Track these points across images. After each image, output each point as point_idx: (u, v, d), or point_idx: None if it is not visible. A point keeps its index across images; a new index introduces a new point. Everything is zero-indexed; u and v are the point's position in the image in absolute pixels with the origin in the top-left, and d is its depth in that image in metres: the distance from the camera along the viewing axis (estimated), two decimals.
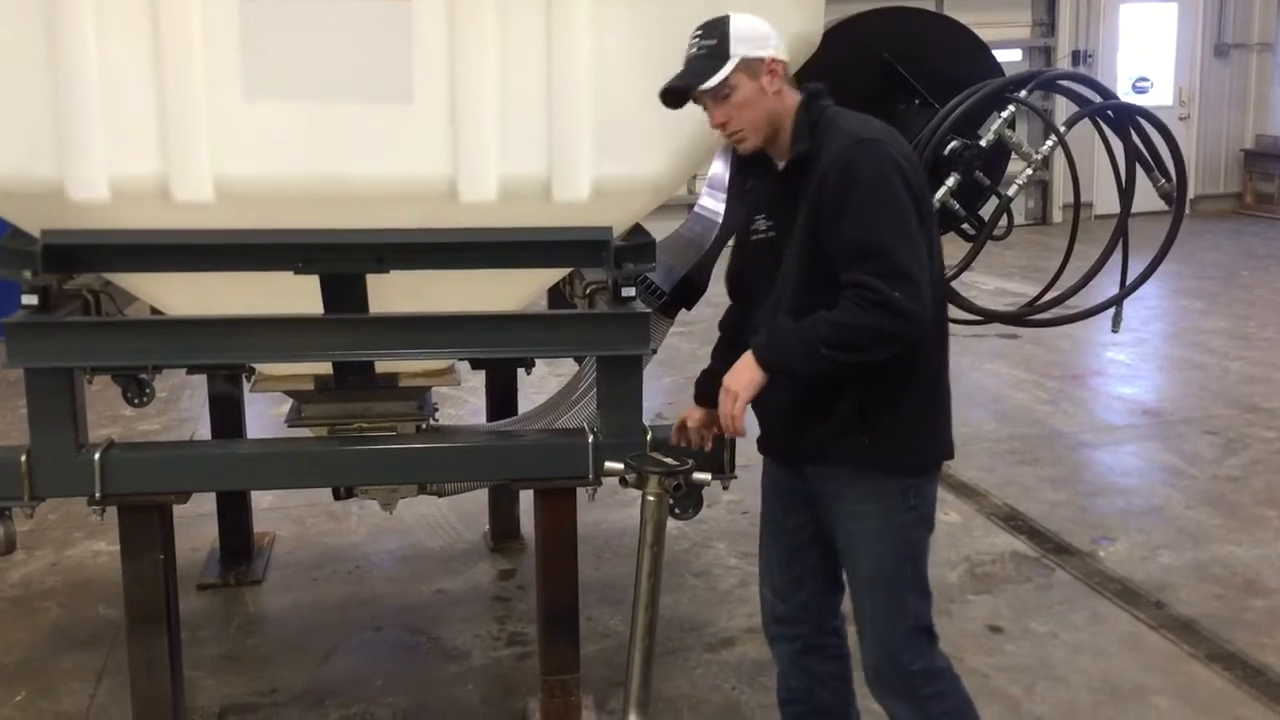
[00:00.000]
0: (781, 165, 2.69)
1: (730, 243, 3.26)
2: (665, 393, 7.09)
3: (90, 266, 3.17)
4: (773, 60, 2.61)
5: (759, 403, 2.69)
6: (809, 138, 2.61)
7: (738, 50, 2.59)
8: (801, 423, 2.70)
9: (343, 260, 3.11)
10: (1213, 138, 13.87)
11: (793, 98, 2.66)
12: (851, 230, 2.50)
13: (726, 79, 2.59)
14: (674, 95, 2.67)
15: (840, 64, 3.69)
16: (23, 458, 3.06)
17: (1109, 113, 3.88)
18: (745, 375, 2.59)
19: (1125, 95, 12.91)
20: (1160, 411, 6.81)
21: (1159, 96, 13.56)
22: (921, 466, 2.74)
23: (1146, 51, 13.75)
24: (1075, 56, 13.23)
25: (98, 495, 3.09)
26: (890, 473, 2.67)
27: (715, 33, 2.61)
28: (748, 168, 2.78)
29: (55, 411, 3.06)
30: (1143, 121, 3.83)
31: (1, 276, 3.01)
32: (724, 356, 2.90)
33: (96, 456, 3.08)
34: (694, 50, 2.63)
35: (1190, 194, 10.13)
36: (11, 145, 2.88)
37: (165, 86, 2.87)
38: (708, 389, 2.92)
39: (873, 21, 3.98)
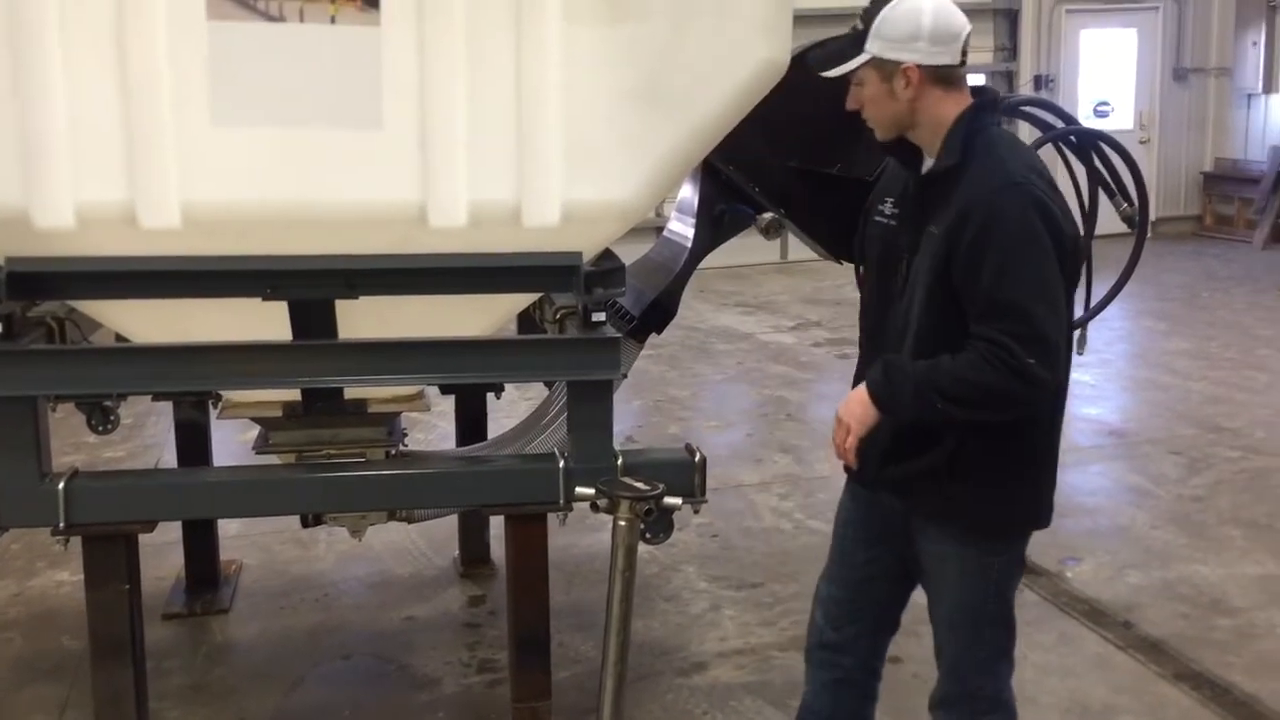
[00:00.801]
0: (927, 166, 2.56)
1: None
2: (635, 415, 7.10)
3: (55, 294, 3.13)
4: (911, 68, 2.46)
5: None
6: (960, 153, 2.48)
7: (872, 47, 2.48)
8: (893, 454, 2.61)
9: (312, 286, 3.09)
10: (1172, 161, 14.06)
11: (945, 105, 2.51)
12: (990, 282, 2.39)
13: (853, 72, 2.50)
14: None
15: (808, 89, 3.73)
16: None
17: (1071, 138, 3.93)
18: (859, 411, 2.51)
19: (1086, 119, 13.08)
20: (1125, 432, 6.87)
21: (1119, 120, 13.74)
22: (1003, 529, 2.64)
23: (1107, 76, 13.95)
24: (1037, 81, 13.41)
25: (62, 525, 3.05)
26: (971, 528, 2.60)
27: (866, 19, 2.50)
28: (893, 146, 2.64)
29: (18, 440, 3.02)
30: (1105, 146, 3.88)
31: None
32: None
33: (60, 486, 3.04)
34: (850, 29, 2.52)
35: (1151, 216, 10.27)
36: None
37: (132, 112, 2.84)
38: None
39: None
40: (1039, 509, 2.66)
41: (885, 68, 2.49)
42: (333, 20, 2.91)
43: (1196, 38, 14.00)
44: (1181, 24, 13.93)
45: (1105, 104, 13.90)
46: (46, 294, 3.14)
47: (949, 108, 2.52)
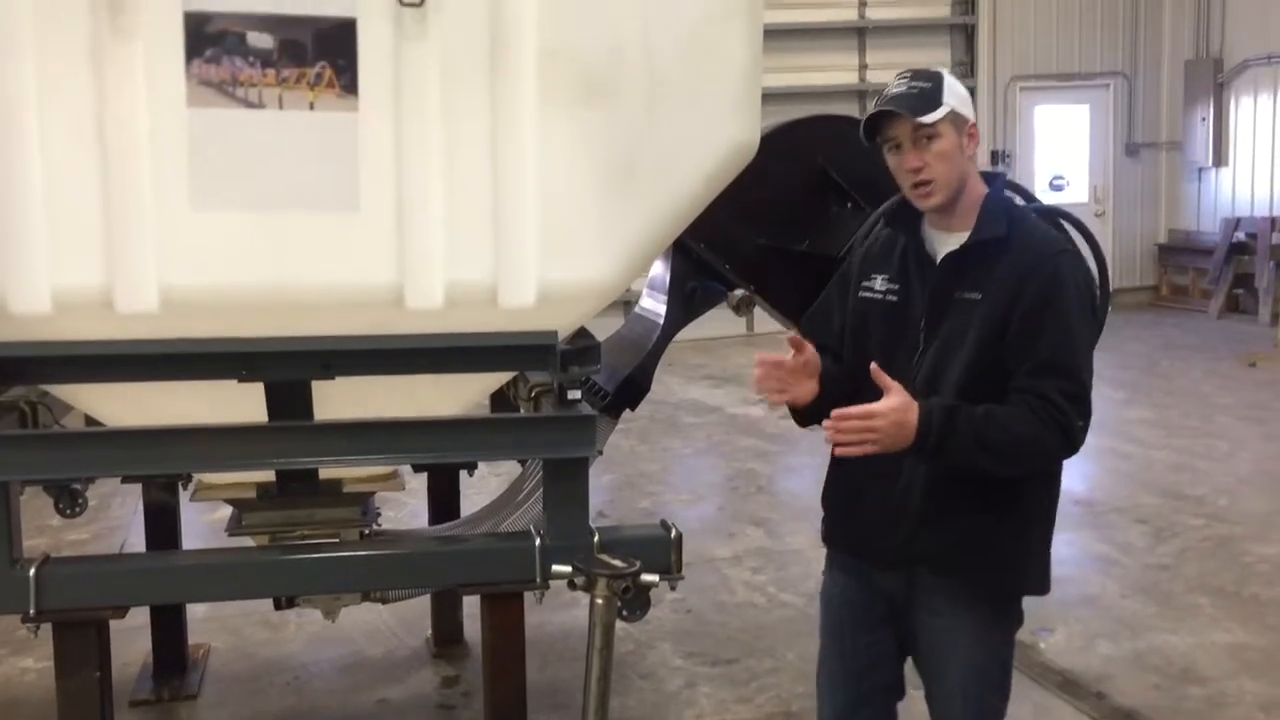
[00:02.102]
0: (959, 239, 2.59)
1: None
2: (605, 490, 7.09)
3: (30, 379, 3.13)
4: (974, 127, 2.59)
5: (864, 491, 2.64)
6: (1006, 223, 2.57)
7: (950, 101, 2.54)
8: (921, 527, 2.59)
9: (287, 367, 3.10)
10: (1128, 233, 14.35)
11: (975, 173, 2.61)
12: (1052, 342, 2.48)
13: (937, 122, 2.53)
14: (874, 125, 2.59)
15: (776, 169, 3.81)
16: None
17: (1033, 215, 4.03)
18: (901, 435, 2.41)
19: (1042, 193, 13.36)
20: (1091, 501, 6.93)
21: (1075, 194, 14.05)
22: (1012, 595, 2.69)
23: (1062, 151, 14.27)
24: (994, 156, 13.68)
25: (32, 612, 3.01)
26: (984, 596, 2.63)
27: (929, 79, 2.57)
28: (894, 220, 2.72)
29: None
30: (1065, 224, 3.98)
31: None
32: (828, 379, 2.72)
33: (31, 572, 3.00)
34: (903, 89, 2.56)
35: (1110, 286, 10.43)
36: None
37: (111, 197, 2.87)
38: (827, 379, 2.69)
39: (806, 129, 4.13)
40: (1044, 573, 2.71)
41: (959, 123, 2.56)
42: (311, 106, 2.97)
43: (1147, 114, 14.38)
44: (1132, 100, 14.31)
45: (1060, 178, 14.21)
46: (21, 379, 3.13)
47: (975, 179, 2.63)
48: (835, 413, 2.44)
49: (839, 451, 2.46)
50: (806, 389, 2.65)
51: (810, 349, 2.64)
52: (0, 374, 3.02)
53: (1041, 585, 2.70)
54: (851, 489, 2.71)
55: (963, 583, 2.61)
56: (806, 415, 2.71)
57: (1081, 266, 2.59)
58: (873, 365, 2.49)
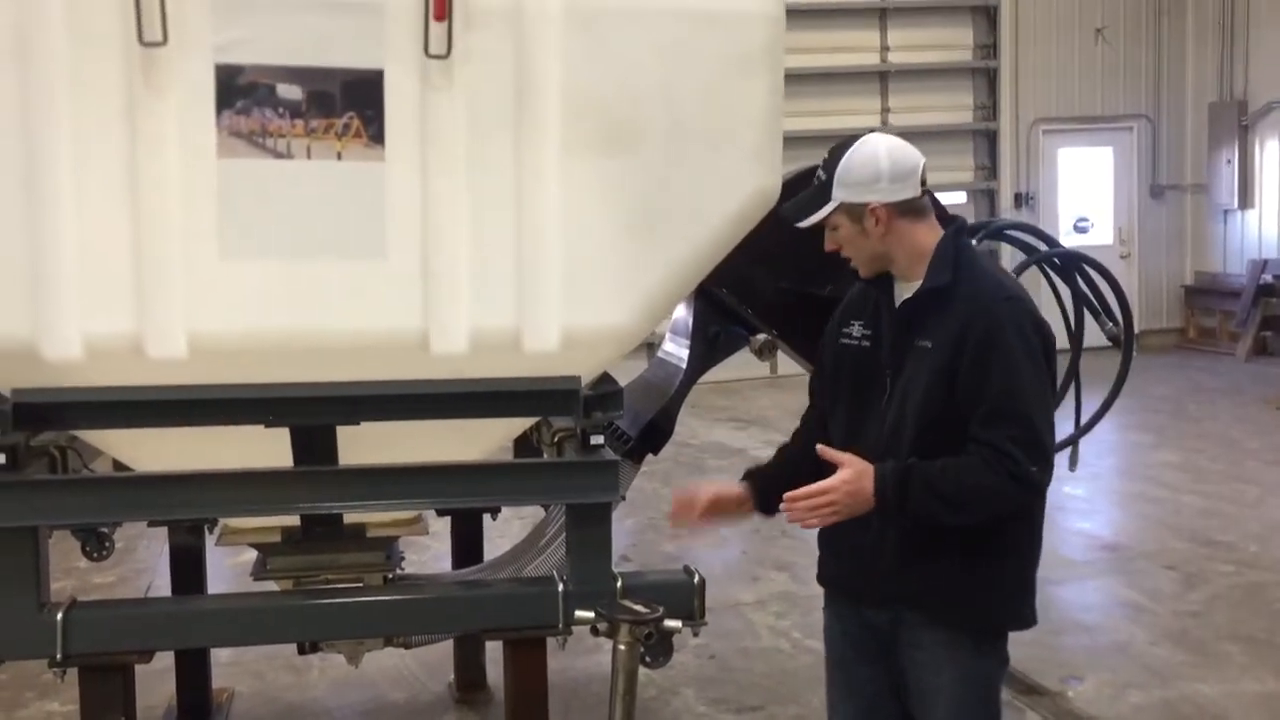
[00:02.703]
0: (911, 289, 2.68)
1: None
2: (629, 534, 7.07)
3: (61, 424, 3.16)
4: (877, 207, 2.63)
5: (844, 536, 2.69)
6: (952, 271, 2.63)
7: (838, 195, 2.64)
8: (901, 564, 2.66)
9: (313, 413, 3.13)
10: (1153, 275, 14.29)
11: (918, 233, 2.67)
12: (997, 390, 2.53)
13: (826, 218, 2.66)
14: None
15: None
16: None
17: (1055, 260, 4.05)
18: (859, 501, 2.53)
19: (1067, 235, 13.33)
20: (1119, 546, 6.86)
21: (1099, 235, 14.01)
22: (996, 628, 2.73)
23: (1086, 193, 14.25)
24: (1018, 199, 13.69)
25: (59, 657, 3.02)
26: (967, 630, 2.67)
27: (828, 169, 2.67)
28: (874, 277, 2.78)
29: (18, 571, 3.01)
30: (1088, 268, 3.99)
31: None
32: (792, 461, 2.85)
33: (59, 616, 3.02)
34: (814, 180, 2.69)
35: (1134, 330, 10.38)
36: None
37: (142, 247, 2.91)
38: (764, 488, 2.85)
39: None
40: (1022, 608, 2.74)
41: (854, 211, 2.65)
42: (339, 156, 3.01)
43: (1171, 155, 14.35)
44: (1156, 143, 14.30)
45: (1085, 220, 14.17)
46: (53, 424, 3.16)
47: (922, 235, 2.69)
48: (787, 496, 2.57)
49: (803, 527, 2.60)
50: (722, 519, 2.96)
51: (733, 498, 2.89)
52: (31, 419, 3.05)
53: (1021, 620, 2.74)
54: (836, 531, 2.76)
55: (942, 620, 2.66)
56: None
57: (1030, 312, 2.61)
58: (819, 446, 2.63)
